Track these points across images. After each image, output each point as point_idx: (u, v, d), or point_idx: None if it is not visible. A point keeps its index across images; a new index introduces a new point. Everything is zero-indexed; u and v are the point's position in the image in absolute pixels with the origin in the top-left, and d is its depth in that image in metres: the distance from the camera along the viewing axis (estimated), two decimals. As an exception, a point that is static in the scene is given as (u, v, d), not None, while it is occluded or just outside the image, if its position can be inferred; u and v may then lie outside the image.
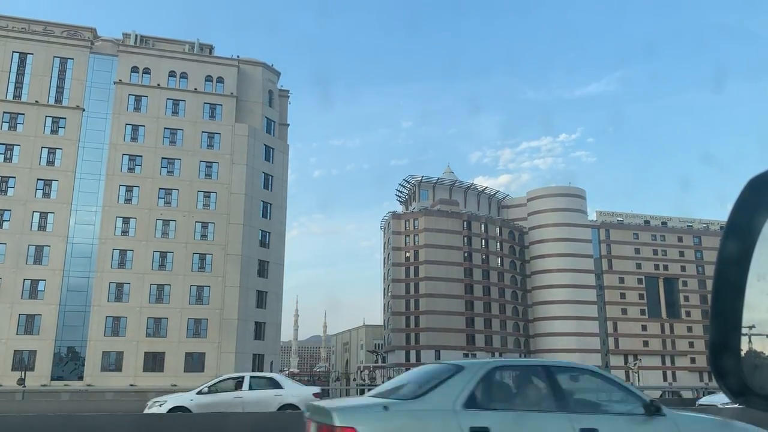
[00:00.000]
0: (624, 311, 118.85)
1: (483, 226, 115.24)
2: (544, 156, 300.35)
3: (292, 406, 17.46)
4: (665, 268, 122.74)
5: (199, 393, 18.66)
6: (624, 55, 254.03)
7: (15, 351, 59.65)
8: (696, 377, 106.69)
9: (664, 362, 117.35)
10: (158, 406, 18.12)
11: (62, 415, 19.00)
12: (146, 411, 18.21)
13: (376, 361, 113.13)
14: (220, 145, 69.92)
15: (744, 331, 1.95)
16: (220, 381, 19.90)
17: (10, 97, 65.82)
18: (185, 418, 15.76)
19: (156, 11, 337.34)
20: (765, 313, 1.98)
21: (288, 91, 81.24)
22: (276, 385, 19.20)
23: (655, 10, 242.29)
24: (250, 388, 18.92)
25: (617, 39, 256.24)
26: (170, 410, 17.69)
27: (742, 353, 1.94)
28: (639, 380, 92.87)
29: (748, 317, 1.91)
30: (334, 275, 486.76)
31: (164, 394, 21.53)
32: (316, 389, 20.13)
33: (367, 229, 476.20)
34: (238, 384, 19.35)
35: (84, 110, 67.36)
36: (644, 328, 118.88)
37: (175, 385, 58.75)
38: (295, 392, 18.83)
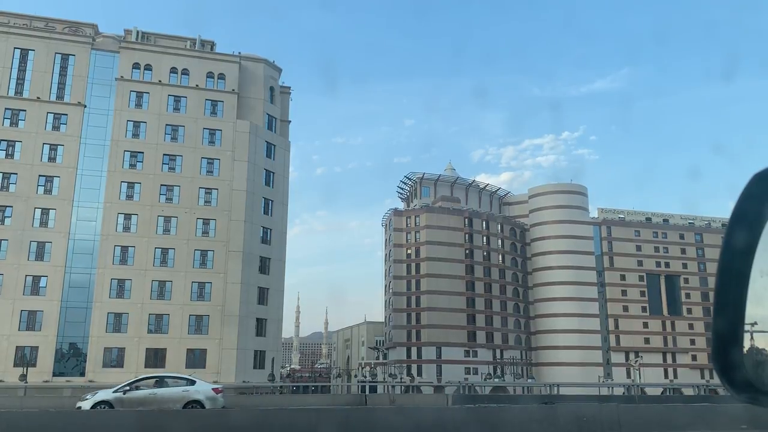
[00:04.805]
0: (625, 308, 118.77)
1: (484, 223, 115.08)
2: (547, 154, 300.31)
3: (198, 402, 20.56)
4: (666, 265, 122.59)
5: (119, 390, 21.06)
6: (629, 53, 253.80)
7: (17, 347, 59.74)
8: (697, 374, 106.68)
9: (665, 359, 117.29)
10: (86, 401, 20.54)
11: (65, 411, 19.04)
12: (77, 405, 20.49)
13: (378, 358, 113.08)
14: (222, 141, 69.86)
15: (746, 328, 1.94)
16: (141, 379, 22.95)
17: (11, 93, 65.78)
18: (188, 415, 15.76)
19: (157, 7, 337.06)
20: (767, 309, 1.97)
21: (289, 87, 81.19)
22: (191, 383, 22.03)
23: (663, 6, 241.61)
24: (167, 386, 21.97)
25: (624, 36, 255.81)
26: (96, 404, 20.08)
27: (745, 350, 1.93)
28: (640, 377, 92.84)
29: (750, 314, 1.90)
30: (336, 272, 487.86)
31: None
32: (218, 386, 23.88)
33: (369, 226, 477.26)
34: (157, 382, 22.58)
35: (85, 106, 67.32)
36: (645, 325, 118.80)
37: (177, 382, 58.95)
38: (201, 388, 21.73)
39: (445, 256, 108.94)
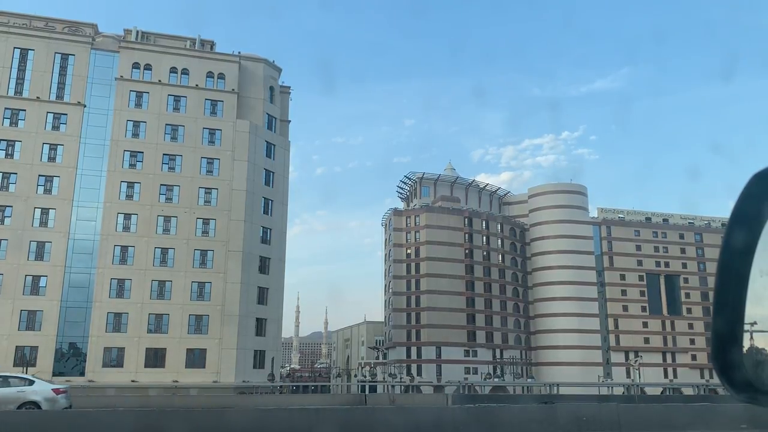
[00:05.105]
0: (625, 308, 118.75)
1: (484, 222, 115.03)
2: (546, 153, 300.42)
3: (35, 403, 19.25)
4: (666, 264, 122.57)
5: None
6: (629, 53, 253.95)
7: (17, 347, 59.76)
8: (697, 374, 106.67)
9: (664, 359, 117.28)
10: None
11: (64, 411, 19.03)
12: None
13: (377, 358, 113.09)
14: (221, 141, 69.84)
15: (746, 327, 1.94)
16: None
17: (11, 93, 65.74)
18: (186, 414, 15.75)
19: (157, 7, 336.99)
20: (767, 309, 1.97)
21: (289, 87, 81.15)
22: (30, 384, 20.70)
23: (663, 6, 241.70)
24: (7, 386, 20.43)
25: (624, 36, 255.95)
26: None
27: (745, 349, 1.93)
28: (639, 377, 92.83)
29: (750, 313, 1.90)
30: (336, 272, 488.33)
31: (161, 389, 23.25)
32: (59, 386, 21.92)
33: (369, 226, 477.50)
34: None
35: (85, 106, 67.30)
36: (645, 324, 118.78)
37: (177, 381, 59.08)
38: (38, 389, 20.36)
39: (445, 256, 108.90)
